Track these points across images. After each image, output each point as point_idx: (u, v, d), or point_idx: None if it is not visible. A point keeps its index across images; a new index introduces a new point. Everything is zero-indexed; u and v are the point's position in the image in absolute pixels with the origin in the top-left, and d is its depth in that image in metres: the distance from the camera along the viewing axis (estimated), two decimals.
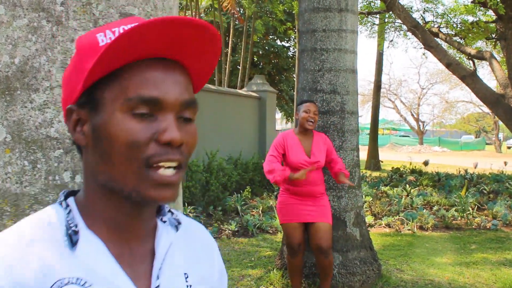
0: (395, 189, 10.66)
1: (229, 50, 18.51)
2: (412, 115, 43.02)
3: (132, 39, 0.69)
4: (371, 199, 9.12)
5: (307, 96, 5.16)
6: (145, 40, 0.71)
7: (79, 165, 1.28)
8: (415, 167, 14.35)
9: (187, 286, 0.84)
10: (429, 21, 13.12)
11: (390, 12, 11.52)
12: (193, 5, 17.79)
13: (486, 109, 34.99)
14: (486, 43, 14.63)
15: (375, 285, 4.97)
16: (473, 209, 8.64)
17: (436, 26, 13.07)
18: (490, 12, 12.28)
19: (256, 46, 20.82)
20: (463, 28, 12.70)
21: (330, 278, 4.45)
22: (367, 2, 13.96)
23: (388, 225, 7.78)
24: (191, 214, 7.76)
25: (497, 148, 38.74)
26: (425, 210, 8.56)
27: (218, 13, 18.45)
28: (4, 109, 1.24)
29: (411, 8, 14.24)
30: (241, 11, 20.07)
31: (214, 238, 6.20)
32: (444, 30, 13.11)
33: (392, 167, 14.89)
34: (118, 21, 0.78)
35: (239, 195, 9.23)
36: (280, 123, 44.34)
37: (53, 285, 0.71)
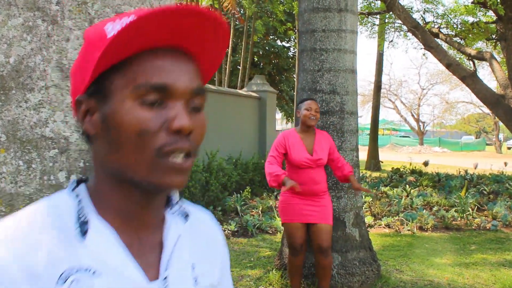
0: (395, 189, 10.65)
1: (230, 50, 18.51)
2: (413, 115, 43.02)
3: (136, 30, 0.69)
4: (371, 199, 9.11)
5: (307, 96, 5.15)
6: (150, 30, 0.71)
7: (74, 165, 1.27)
8: (415, 167, 14.34)
9: (194, 277, 0.85)
10: (429, 22, 13.11)
11: (390, 13, 11.51)
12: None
13: (486, 110, 34.97)
14: (486, 44, 14.63)
15: (374, 285, 4.96)
16: (473, 209, 8.63)
17: (436, 26, 13.07)
18: (490, 13, 12.28)
19: (256, 46, 20.82)
20: (463, 28, 12.70)
21: (329, 279, 4.45)
22: (368, 3, 13.96)
23: (388, 226, 7.77)
24: None
25: (497, 148, 38.73)
26: (425, 210, 8.55)
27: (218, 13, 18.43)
28: None
29: (412, 9, 14.24)
30: (242, 11, 20.07)
31: None
32: (444, 30, 13.12)
33: (392, 168, 14.88)
34: (128, 11, 0.78)
35: (238, 195, 9.22)
36: (281, 123, 44.35)
37: (62, 273, 0.70)
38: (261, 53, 21.99)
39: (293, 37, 21.70)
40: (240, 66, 19.28)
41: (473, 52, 11.74)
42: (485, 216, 8.40)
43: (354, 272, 4.91)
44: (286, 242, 4.49)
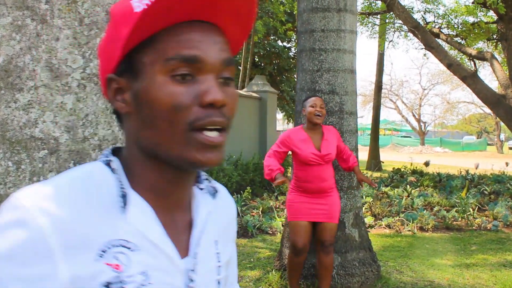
0: (396, 189, 10.62)
1: None
2: (414, 115, 42.99)
3: (165, 5, 0.69)
4: (372, 199, 9.09)
5: (306, 96, 5.13)
6: (180, 3, 0.70)
7: (64, 166, 1.26)
8: (416, 167, 14.31)
9: (216, 253, 0.86)
10: (430, 22, 13.10)
11: (391, 13, 11.50)
12: None
13: (487, 110, 34.92)
14: (487, 44, 14.60)
15: (374, 286, 4.95)
16: (473, 210, 8.60)
17: (437, 26, 13.05)
18: (491, 13, 12.26)
19: (257, 46, 20.80)
20: (464, 28, 12.68)
21: (330, 280, 4.42)
22: (368, 3, 13.95)
23: (388, 226, 7.75)
24: None
25: (499, 148, 38.69)
26: (425, 211, 8.52)
27: None
28: None
29: (412, 9, 14.21)
30: None
31: None
32: (445, 30, 13.09)
33: (393, 168, 14.86)
34: None
35: (239, 195, 9.21)
36: (282, 123, 44.32)
37: (102, 246, 0.69)
38: (261, 53, 21.98)
39: (293, 37, 21.69)
40: (240, 67, 19.27)
41: (474, 52, 11.71)
42: (486, 217, 8.37)
43: (354, 272, 4.89)
44: (289, 241, 4.46)
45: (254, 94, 13.06)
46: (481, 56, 11.52)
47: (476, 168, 14.36)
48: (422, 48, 11.84)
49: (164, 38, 0.72)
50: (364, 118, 49.42)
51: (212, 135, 0.73)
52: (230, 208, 0.96)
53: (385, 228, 7.70)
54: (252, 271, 5.42)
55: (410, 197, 9.81)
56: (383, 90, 22.03)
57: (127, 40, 0.71)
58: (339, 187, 4.94)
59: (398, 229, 7.57)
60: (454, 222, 7.95)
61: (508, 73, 10.51)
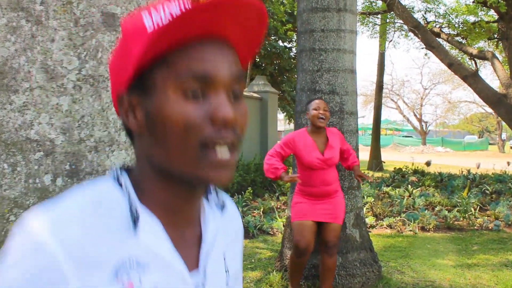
0: (397, 189, 10.60)
1: None
2: (415, 115, 42.94)
3: (180, 23, 0.69)
4: (373, 199, 9.07)
5: (306, 96, 5.13)
6: (193, 23, 0.70)
7: (60, 168, 1.25)
8: (417, 167, 14.29)
9: (225, 267, 0.87)
10: (430, 21, 13.08)
11: (392, 13, 11.48)
12: None
13: (489, 109, 34.88)
14: (488, 43, 14.58)
15: (375, 286, 4.93)
16: (475, 209, 8.58)
17: (437, 26, 13.03)
18: (492, 12, 12.24)
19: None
20: (464, 28, 12.66)
21: (331, 281, 4.40)
22: (369, 2, 13.94)
23: (390, 226, 7.73)
24: None
25: (500, 148, 38.64)
26: (427, 210, 8.50)
27: None
28: None
29: (413, 8, 14.20)
30: None
31: None
32: (446, 30, 13.08)
33: (394, 168, 14.83)
34: None
35: (240, 196, 9.19)
36: (284, 124, 44.30)
37: (114, 266, 0.70)
38: (262, 53, 21.98)
39: (294, 37, 21.67)
40: None
41: (474, 51, 11.69)
42: (488, 216, 8.34)
43: (355, 273, 4.88)
44: (293, 241, 4.44)
45: (255, 95, 13.05)
46: (482, 56, 11.50)
47: (478, 168, 14.33)
48: (422, 48, 11.83)
49: (176, 56, 0.72)
50: (366, 118, 49.42)
51: (224, 154, 0.73)
52: (236, 221, 0.97)
53: (386, 228, 7.68)
54: (253, 272, 5.41)
55: (412, 197, 9.79)
56: (384, 90, 22.03)
57: (140, 59, 0.71)
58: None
59: (399, 229, 7.56)
60: (456, 222, 7.94)
61: (509, 72, 10.50)
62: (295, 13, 15.80)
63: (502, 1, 9.96)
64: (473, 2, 12.05)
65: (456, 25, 12.92)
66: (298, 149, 4.25)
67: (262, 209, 8.56)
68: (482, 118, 45.32)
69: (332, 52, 5.02)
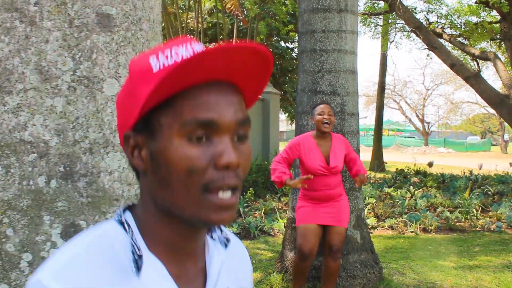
0: (399, 190, 10.57)
1: None
2: (417, 116, 42.85)
3: (188, 68, 0.70)
4: (375, 200, 9.05)
5: (307, 97, 5.12)
6: (200, 68, 0.71)
7: (54, 170, 1.24)
8: (419, 168, 14.25)
9: None
10: (433, 22, 13.05)
11: (394, 13, 11.47)
12: (196, 7, 17.80)
13: (491, 110, 34.80)
14: (490, 44, 14.54)
15: None
16: (477, 211, 8.55)
17: (440, 27, 13.00)
18: (495, 13, 12.21)
19: None
20: (467, 28, 12.63)
21: (333, 285, 4.38)
22: (371, 3, 13.92)
23: (391, 227, 7.71)
24: None
25: (503, 149, 38.52)
26: (428, 212, 8.48)
27: (221, 15, 18.45)
28: None
29: (415, 9, 14.17)
30: (245, 12, 20.06)
31: None
32: (448, 30, 13.05)
33: (396, 168, 14.79)
34: (168, 41, 0.78)
35: (241, 197, 9.18)
36: (286, 125, 44.27)
37: None
38: None
39: (296, 38, 21.67)
40: None
41: (477, 52, 11.67)
42: (490, 218, 8.31)
43: (356, 274, 4.86)
44: (296, 245, 4.41)
45: None
46: (484, 56, 11.47)
47: (480, 169, 14.29)
48: (425, 48, 11.80)
49: (181, 100, 0.73)
50: (368, 118, 49.36)
51: (226, 196, 0.74)
52: (242, 260, 0.98)
53: (388, 229, 7.66)
54: (253, 273, 5.39)
55: (413, 198, 9.76)
56: (386, 91, 22.02)
57: (146, 101, 0.72)
58: None
59: (401, 230, 7.54)
60: (457, 223, 7.91)
61: None
62: (297, 14, 15.79)
63: (504, 1, 9.93)
64: (475, 2, 12.02)
65: (458, 26, 12.90)
66: (303, 154, 4.23)
67: (263, 210, 8.54)
68: (484, 119, 45.20)
69: (333, 52, 5.00)
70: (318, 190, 4.20)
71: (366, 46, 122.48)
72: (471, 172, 13.40)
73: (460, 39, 12.96)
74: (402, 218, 8.00)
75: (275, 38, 22.76)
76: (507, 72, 10.79)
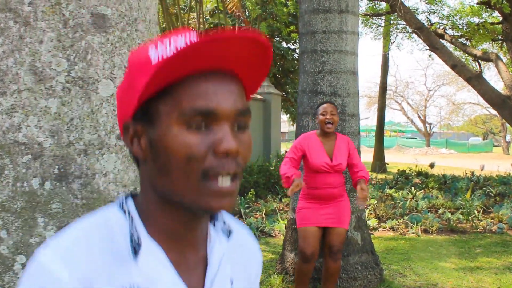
0: (400, 191, 10.55)
1: None
2: (419, 117, 42.81)
3: (184, 57, 0.70)
4: (376, 201, 9.03)
5: (308, 98, 5.10)
6: (197, 57, 0.71)
7: (48, 171, 1.23)
8: (421, 169, 14.23)
9: None
10: (434, 23, 13.03)
11: (395, 14, 11.45)
12: (198, 8, 17.80)
13: (493, 111, 34.74)
14: (492, 45, 14.52)
15: None
16: (479, 212, 8.53)
17: (441, 27, 12.98)
18: (496, 14, 12.19)
19: None
20: (468, 29, 12.61)
21: (333, 286, 4.35)
22: (373, 4, 13.90)
23: (392, 228, 7.69)
24: None
25: (505, 150, 38.47)
26: (430, 213, 8.46)
27: (223, 15, 18.46)
28: None
29: (417, 10, 14.15)
30: (247, 13, 20.06)
31: None
32: (449, 31, 13.02)
33: (398, 170, 14.77)
34: (168, 32, 0.78)
35: (242, 198, 9.16)
36: (287, 125, 44.25)
37: None
38: None
39: (297, 39, 21.67)
40: None
41: (478, 53, 11.65)
42: (491, 219, 8.29)
43: (356, 276, 4.84)
44: (298, 248, 4.39)
45: (258, 96, 13.03)
46: (486, 57, 11.45)
47: (482, 170, 14.26)
48: (426, 49, 11.79)
49: (180, 88, 0.73)
50: (369, 119, 49.34)
51: (225, 183, 0.74)
52: (249, 250, 0.97)
53: (389, 230, 7.65)
54: None
55: (415, 199, 9.74)
56: (388, 92, 22.00)
57: (144, 90, 0.72)
58: None
59: (402, 231, 7.52)
60: (459, 225, 7.89)
61: None
62: (298, 15, 15.79)
63: (506, 2, 9.91)
64: (477, 3, 12.00)
65: (460, 27, 12.88)
66: (307, 150, 4.21)
67: (264, 211, 8.53)
68: (486, 120, 45.15)
69: (334, 53, 4.99)
70: (320, 188, 4.18)
71: (368, 47, 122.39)
72: (472, 173, 13.37)
73: (461, 40, 12.94)
74: (403, 219, 7.98)
75: (276, 39, 22.77)
76: (509, 73, 10.76)
